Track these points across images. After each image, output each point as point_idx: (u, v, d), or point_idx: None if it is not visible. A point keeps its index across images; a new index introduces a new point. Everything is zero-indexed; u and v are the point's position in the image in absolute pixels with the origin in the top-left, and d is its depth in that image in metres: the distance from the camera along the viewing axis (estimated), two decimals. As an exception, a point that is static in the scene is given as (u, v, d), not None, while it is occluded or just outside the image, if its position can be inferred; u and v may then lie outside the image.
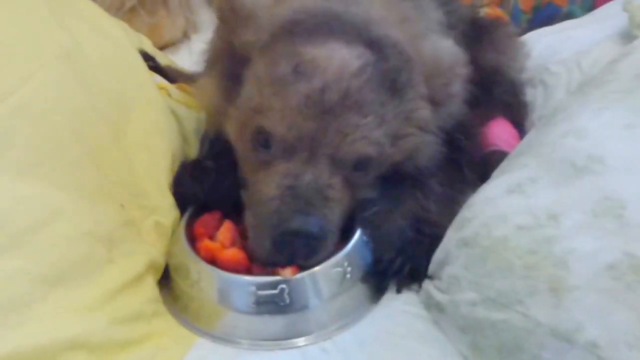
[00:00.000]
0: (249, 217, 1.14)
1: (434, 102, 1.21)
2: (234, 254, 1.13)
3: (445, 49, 1.23)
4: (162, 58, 1.79)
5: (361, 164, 1.12)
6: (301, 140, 1.08)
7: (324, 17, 1.13)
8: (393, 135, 1.15)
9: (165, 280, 1.19)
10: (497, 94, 1.57)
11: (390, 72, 1.11)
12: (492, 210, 1.08)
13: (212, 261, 1.13)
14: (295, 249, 1.07)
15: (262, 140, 1.11)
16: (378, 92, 1.10)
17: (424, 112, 1.19)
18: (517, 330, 0.96)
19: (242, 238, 1.17)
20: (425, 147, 1.22)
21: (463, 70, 1.23)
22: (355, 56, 1.09)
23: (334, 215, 1.10)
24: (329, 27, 1.12)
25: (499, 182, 1.13)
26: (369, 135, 1.09)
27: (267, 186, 1.10)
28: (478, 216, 1.09)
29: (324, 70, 1.07)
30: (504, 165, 1.21)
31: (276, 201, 1.07)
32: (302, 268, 1.10)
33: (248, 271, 1.12)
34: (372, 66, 1.09)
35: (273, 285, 1.08)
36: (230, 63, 1.21)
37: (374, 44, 1.11)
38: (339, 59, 1.08)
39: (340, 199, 1.11)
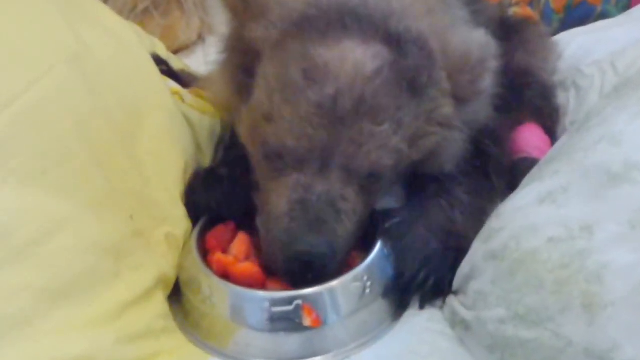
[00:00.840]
0: (260, 225, 1.10)
1: (459, 99, 1.14)
2: (247, 268, 1.09)
3: (475, 41, 1.15)
4: (176, 62, 1.76)
5: (377, 174, 1.07)
6: (312, 152, 1.02)
7: (338, 13, 1.06)
8: (411, 137, 1.08)
9: (176, 295, 1.15)
10: (528, 97, 1.51)
11: (410, 71, 1.05)
12: (522, 221, 1.02)
13: (225, 275, 1.09)
14: (306, 267, 1.03)
15: (272, 151, 1.06)
16: (395, 95, 1.04)
17: (447, 109, 1.13)
18: (547, 349, 0.92)
19: (257, 249, 1.13)
20: (449, 144, 1.16)
21: (494, 63, 1.15)
22: (371, 57, 1.03)
23: (347, 228, 1.05)
24: (343, 23, 1.05)
25: (529, 190, 1.08)
26: (385, 144, 1.04)
27: (277, 198, 1.05)
28: (507, 227, 1.04)
29: (336, 75, 1.01)
30: (534, 172, 1.15)
31: (286, 218, 1.03)
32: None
33: (263, 286, 1.08)
34: (389, 67, 1.03)
35: (288, 301, 1.03)
36: (242, 56, 1.15)
37: (393, 40, 1.05)
38: (352, 61, 1.02)
39: (354, 209, 1.06)
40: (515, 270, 0.98)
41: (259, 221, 1.10)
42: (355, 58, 1.02)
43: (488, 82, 1.15)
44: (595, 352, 0.87)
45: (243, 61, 1.14)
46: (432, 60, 1.08)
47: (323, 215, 1.02)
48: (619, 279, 0.89)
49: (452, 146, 1.17)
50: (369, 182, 1.07)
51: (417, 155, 1.11)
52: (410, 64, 1.05)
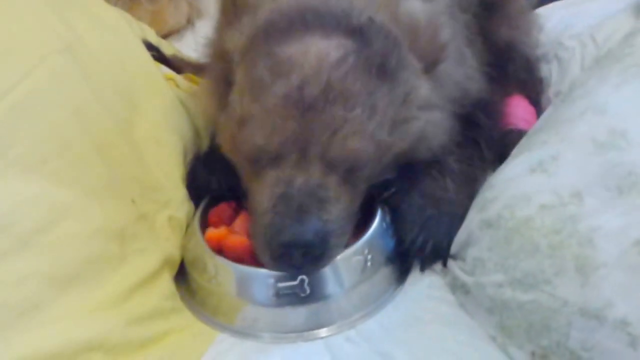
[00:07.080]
0: (250, 225, 1.11)
1: (430, 63, 1.14)
2: (240, 240, 1.10)
3: (417, 8, 1.16)
4: (167, 47, 1.76)
5: (357, 164, 1.07)
6: (286, 144, 1.02)
7: (299, 13, 1.07)
8: (391, 124, 1.09)
9: (181, 275, 1.17)
10: (512, 71, 1.54)
11: (376, 57, 1.05)
12: (515, 190, 1.06)
13: (219, 249, 1.11)
14: (295, 259, 1.03)
15: (248, 155, 1.07)
16: (364, 81, 1.04)
17: (423, 90, 1.14)
18: (545, 310, 0.96)
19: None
20: (434, 126, 1.17)
21: (442, 18, 1.17)
22: (334, 47, 1.03)
23: (333, 215, 1.05)
24: (304, 22, 1.06)
25: (520, 161, 1.11)
26: (360, 130, 1.03)
27: (260, 197, 1.06)
28: (500, 197, 1.07)
29: (300, 66, 1.02)
30: (523, 143, 1.18)
31: (269, 214, 1.03)
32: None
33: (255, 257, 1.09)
34: (353, 55, 1.03)
35: (293, 277, 1.05)
36: (222, 65, 1.16)
37: (355, 32, 1.06)
38: (315, 52, 1.03)
39: (338, 197, 1.06)
40: (511, 237, 1.02)
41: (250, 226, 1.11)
42: (318, 49, 1.03)
43: (447, 34, 1.16)
44: (589, 311, 0.91)
45: (224, 71, 1.15)
46: (399, 44, 1.09)
47: (305, 206, 1.02)
48: (610, 241, 0.93)
49: (438, 128, 1.18)
50: (350, 173, 1.07)
51: (402, 143, 1.12)
52: (376, 50, 1.06)
